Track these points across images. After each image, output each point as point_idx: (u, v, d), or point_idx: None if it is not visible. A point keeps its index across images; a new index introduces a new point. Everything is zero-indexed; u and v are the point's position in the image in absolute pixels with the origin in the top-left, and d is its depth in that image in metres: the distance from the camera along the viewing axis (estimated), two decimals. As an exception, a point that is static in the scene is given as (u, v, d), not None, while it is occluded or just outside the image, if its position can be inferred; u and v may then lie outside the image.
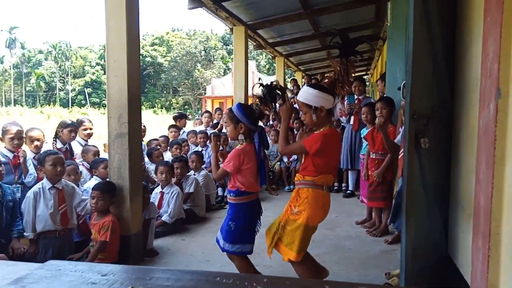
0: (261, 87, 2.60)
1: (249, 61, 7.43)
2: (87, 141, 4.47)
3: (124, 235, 3.20)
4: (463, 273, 2.28)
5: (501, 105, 1.67)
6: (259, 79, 2.64)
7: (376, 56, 11.99)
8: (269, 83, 2.60)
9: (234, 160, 2.50)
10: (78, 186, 3.48)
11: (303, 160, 2.44)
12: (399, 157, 3.42)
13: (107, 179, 3.36)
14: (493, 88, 1.72)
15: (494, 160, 1.68)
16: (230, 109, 2.60)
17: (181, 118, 6.73)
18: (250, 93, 6.27)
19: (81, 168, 4.11)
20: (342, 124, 5.76)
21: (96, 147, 4.36)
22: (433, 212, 2.49)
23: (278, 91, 2.58)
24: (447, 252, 2.55)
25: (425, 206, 2.44)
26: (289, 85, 11.04)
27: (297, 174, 2.45)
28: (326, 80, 2.43)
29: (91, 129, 4.48)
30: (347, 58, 2.38)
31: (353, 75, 2.44)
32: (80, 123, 4.40)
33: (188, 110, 44.05)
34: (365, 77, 18.56)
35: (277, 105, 2.62)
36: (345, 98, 5.62)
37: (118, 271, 0.63)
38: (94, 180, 3.73)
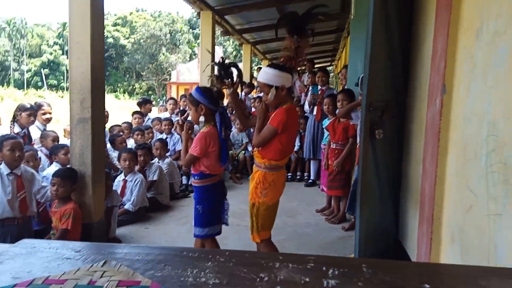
0: (216, 66, 2.64)
1: (216, 47, 7.40)
2: (45, 125, 4.33)
3: (86, 222, 3.17)
4: (410, 255, 2.48)
5: (446, 100, 1.83)
6: (217, 60, 2.65)
7: (341, 47, 12.26)
8: (221, 60, 2.64)
9: (201, 143, 2.54)
10: (38, 172, 3.40)
11: None
12: (357, 147, 3.60)
13: (68, 166, 3.30)
14: (440, 84, 1.88)
15: (438, 150, 1.84)
16: (190, 93, 2.65)
17: (145, 103, 6.62)
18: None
19: (39, 154, 3.99)
20: (305, 114, 5.91)
21: (55, 133, 4.24)
22: (385, 200, 2.67)
23: (233, 68, 2.64)
24: (398, 238, 2.76)
25: (378, 194, 2.62)
26: (256, 74, 11.10)
27: (257, 154, 2.47)
28: (282, 59, 2.50)
29: (50, 113, 4.34)
30: (299, 35, 2.45)
31: (308, 50, 2.53)
32: (38, 106, 4.25)
33: (152, 96, 42.96)
34: (329, 68, 18.95)
35: (243, 92, 2.68)
36: (309, 88, 5.77)
37: (90, 247, 0.68)
38: (54, 167, 3.64)
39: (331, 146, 4.02)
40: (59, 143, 4.02)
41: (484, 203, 1.36)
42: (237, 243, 3.34)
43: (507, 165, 1.20)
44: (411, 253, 2.46)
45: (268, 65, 2.47)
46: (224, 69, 2.61)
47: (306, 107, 5.69)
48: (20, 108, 3.94)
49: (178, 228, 3.90)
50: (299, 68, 2.62)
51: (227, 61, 2.67)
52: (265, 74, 2.39)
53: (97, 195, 3.26)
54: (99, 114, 3.23)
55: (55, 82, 49.58)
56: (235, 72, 2.66)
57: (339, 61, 14.44)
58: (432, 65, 2.03)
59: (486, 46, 1.47)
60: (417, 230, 2.10)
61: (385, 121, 2.57)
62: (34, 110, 4.02)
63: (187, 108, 7.02)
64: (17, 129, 3.87)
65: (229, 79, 2.63)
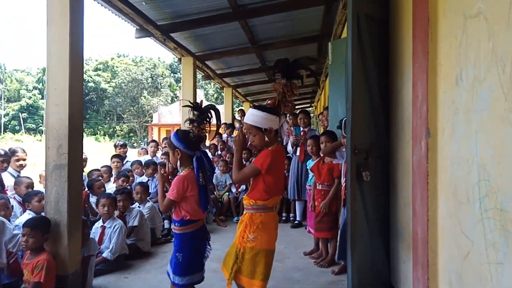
0: (193, 110, 2.57)
1: (197, 90, 7.47)
2: (19, 172, 4.14)
3: (60, 274, 2.95)
4: (404, 302, 2.39)
5: (431, 144, 1.83)
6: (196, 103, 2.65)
7: (320, 90, 12.61)
8: (198, 103, 2.59)
9: (178, 187, 2.45)
10: (10, 221, 3.20)
11: (251, 181, 2.42)
12: (342, 187, 3.56)
13: (42, 214, 3.12)
14: (423, 127, 1.89)
15: (427, 194, 1.82)
16: (169, 137, 2.62)
17: (121, 147, 6.53)
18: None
19: (12, 201, 3.79)
20: (288, 155, 5.90)
21: (30, 179, 4.05)
22: (376, 244, 2.60)
23: (211, 111, 2.58)
24: (390, 282, 2.67)
25: (368, 237, 2.55)
26: (237, 116, 11.18)
27: (245, 197, 2.41)
28: (270, 102, 2.46)
29: (24, 159, 4.15)
30: (289, 80, 2.42)
31: (296, 95, 2.46)
32: (12, 152, 4.08)
33: (133, 138, 42.63)
34: (309, 109, 19.36)
35: (225, 134, 2.63)
36: (292, 129, 5.81)
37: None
38: (28, 215, 3.43)
39: (317, 187, 3.97)
40: (34, 189, 3.83)
41: (482, 250, 1.31)
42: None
43: (503, 211, 1.17)
44: (405, 300, 2.37)
45: (256, 107, 2.42)
46: (201, 112, 2.56)
47: (289, 147, 5.69)
48: (-7, 155, 3.78)
49: (160, 276, 3.68)
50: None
51: (204, 103, 2.64)
52: (253, 116, 2.34)
53: (73, 245, 3.07)
54: (76, 160, 3.11)
55: (34, 125, 48.70)
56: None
57: (318, 102, 14.79)
58: (414, 109, 2.06)
59: (466, 91, 1.49)
60: (412, 276, 2.03)
61: (370, 163, 2.56)
62: (8, 156, 3.86)
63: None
64: (-11, 176, 3.69)
65: (206, 123, 2.57)
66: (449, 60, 1.71)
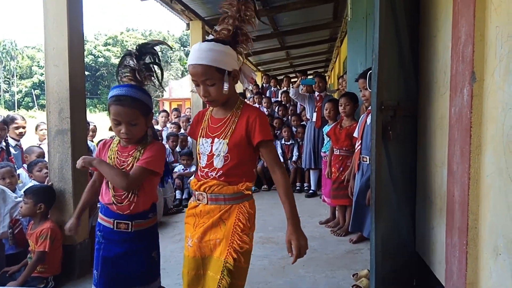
0: (130, 57, 1.74)
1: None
2: (18, 141, 4.00)
3: (67, 244, 2.85)
4: (434, 271, 2.19)
5: (476, 90, 1.57)
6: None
7: (333, 57, 12.14)
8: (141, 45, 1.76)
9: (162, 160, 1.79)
10: (15, 190, 3.08)
11: (228, 156, 1.53)
12: (356, 151, 3.30)
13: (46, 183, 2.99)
14: (467, 72, 1.62)
15: (470, 149, 1.57)
16: (132, 98, 1.67)
17: None
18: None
19: (21, 170, 3.67)
20: (302, 122, 5.65)
21: (41, 148, 3.94)
22: (402, 209, 2.38)
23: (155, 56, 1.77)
24: (415, 250, 2.47)
25: (394, 202, 2.33)
26: (249, 86, 10.87)
27: (215, 182, 1.53)
28: (221, 31, 1.60)
29: (23, 127, 4.01)
30: None
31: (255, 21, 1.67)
32: (11, 120, 3.92)
33: (145, 113, 42.63)
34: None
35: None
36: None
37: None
38: (32, 184, 3.32)
39: (335, 153, 3.73)
40: (38, 158, 3.69)
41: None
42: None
43: None
44: (435, 268, 2.17)
45: (209, 40, 1.54)
46: (144, 57, 1.74)
47: (292, 91, 5.36)
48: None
49: (171, 246, 3.57)
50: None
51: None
52: (210, 52, 1.46)
53: (80, 214, 2.94)
54: (79, 125, 2.93)
55: (46, 102, 49.04)
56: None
57: (332, 71, 14.32)
58: (454, 54, 1.78)
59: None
60: (445, 242, 1.81)
61: (398, 121, 2.31)
62: (6, 124, 3.70)
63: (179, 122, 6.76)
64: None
65: (151, 73, 1.78)
66: (503, -13, 1.42)
